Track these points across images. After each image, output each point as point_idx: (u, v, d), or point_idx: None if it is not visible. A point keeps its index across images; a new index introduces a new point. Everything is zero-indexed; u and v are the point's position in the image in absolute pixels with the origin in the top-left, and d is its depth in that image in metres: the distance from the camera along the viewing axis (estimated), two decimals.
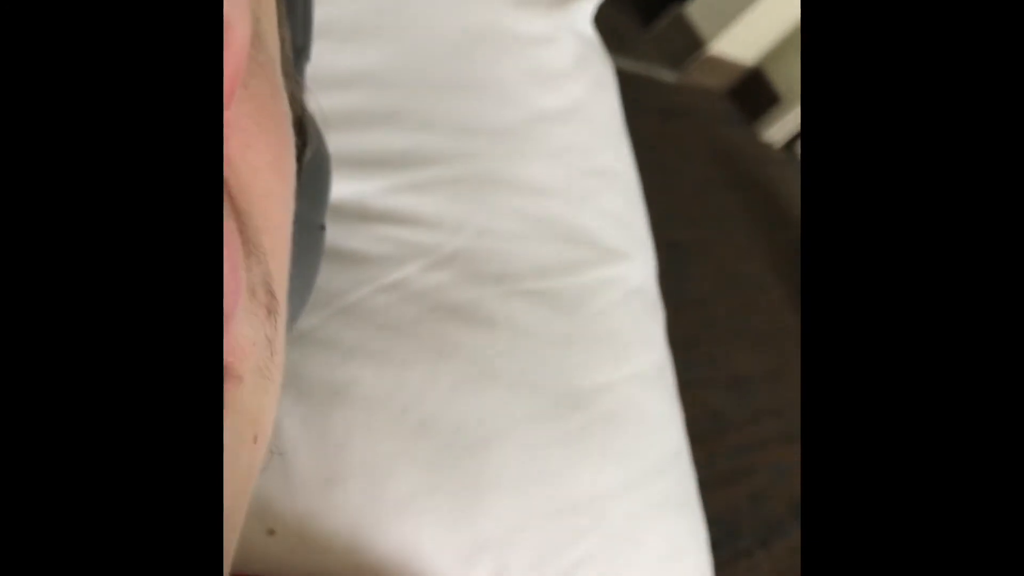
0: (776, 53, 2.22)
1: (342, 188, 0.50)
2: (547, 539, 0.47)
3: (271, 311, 0.22)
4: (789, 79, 2.16)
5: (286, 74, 0.28)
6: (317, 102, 0.41)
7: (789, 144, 2.25)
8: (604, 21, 0.65)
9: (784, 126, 2.20)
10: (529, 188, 0.54)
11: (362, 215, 0.50)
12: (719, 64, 2.20)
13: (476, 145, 0.54)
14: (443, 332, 0.49)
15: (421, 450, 0.46)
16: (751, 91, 2.27)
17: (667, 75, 2.17)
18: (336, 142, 0.48)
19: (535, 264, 0.53)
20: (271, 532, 0.43)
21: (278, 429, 0.44)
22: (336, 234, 0.49)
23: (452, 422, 0.47)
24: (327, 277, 0.48)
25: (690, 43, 2.15)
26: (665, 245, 2.00)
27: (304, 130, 0.37)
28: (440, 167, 0.52)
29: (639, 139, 0.72)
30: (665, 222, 2.00)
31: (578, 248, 0.55)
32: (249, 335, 0.20)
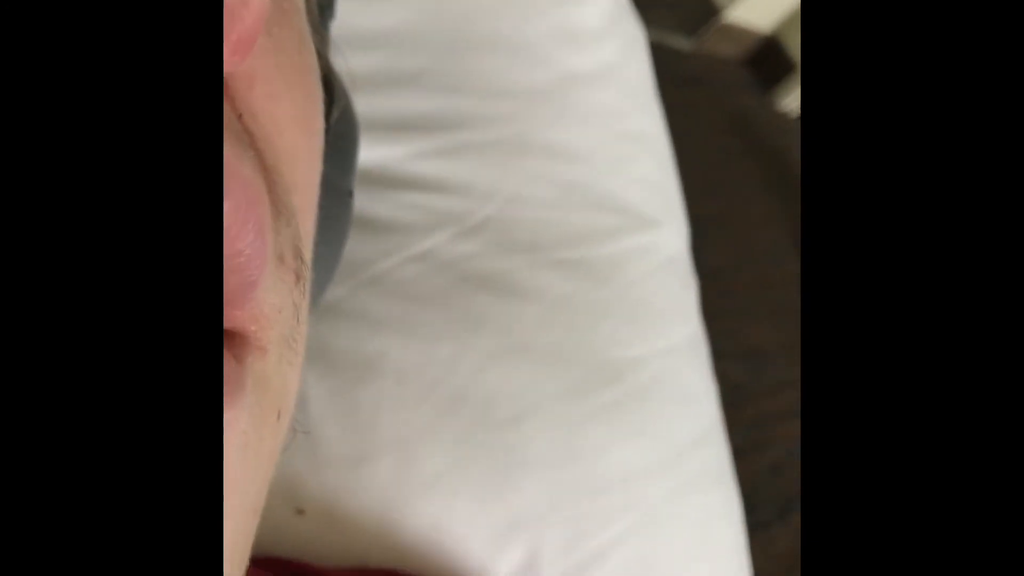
0: (793, 21, 2.18)
1: (367, 154, 0.47)
2: (581, 518, 0.45)
3: (300, 277, 0.20)
4: None
5: (312, 27, 0.26)
6: (344, 61, 0.39)
7: None
8: None
9: (800, 94, 2.16)
10: (561, 153, 0.52)
11: (388, 182, 0.48)
12: (735, 32, 2.16)
13: (505, 108, 0.51)
14: (473, 304, 0.47)
15: (451, 426, 0.44)
16: (767, 59, 2.23)
17: (682, 43, 2.13)
18: (359, 105, 0.46)
19: (567, 232, 0.51)
20: (300, 512, 0.41)
21: (304, 405, 0.43)
22: (362, 201, 0.47)
23: (483, 397, 0.45)
24: (353, 246, 0.46)
25: (706, 10, 2.11)
26: None
27: (331, 88, 0.34)
28: (468, 131, 0.50)
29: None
30: (682, 193, 1.97)
31: (611, 215, 0.53)
32: (275, 302, 0.18)
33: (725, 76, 2.25)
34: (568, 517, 0.45)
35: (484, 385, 0.46)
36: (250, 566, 0.36)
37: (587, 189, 0.53)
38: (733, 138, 2.09)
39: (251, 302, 0.17)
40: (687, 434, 0.51)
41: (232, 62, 0.14)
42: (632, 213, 0.54)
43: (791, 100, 2.16)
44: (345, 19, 0.45)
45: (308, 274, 0.22)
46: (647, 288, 0.53)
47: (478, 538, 0.43)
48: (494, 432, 0.45)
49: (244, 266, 0.16)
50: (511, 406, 0.46)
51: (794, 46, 2.20)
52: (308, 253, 0.22)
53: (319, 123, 0.24)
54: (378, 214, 0.47)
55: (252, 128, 0.18)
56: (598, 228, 0.52)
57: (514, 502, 0.44)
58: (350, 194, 0.39)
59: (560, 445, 0.46)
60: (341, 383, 0.43)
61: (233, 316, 0.16)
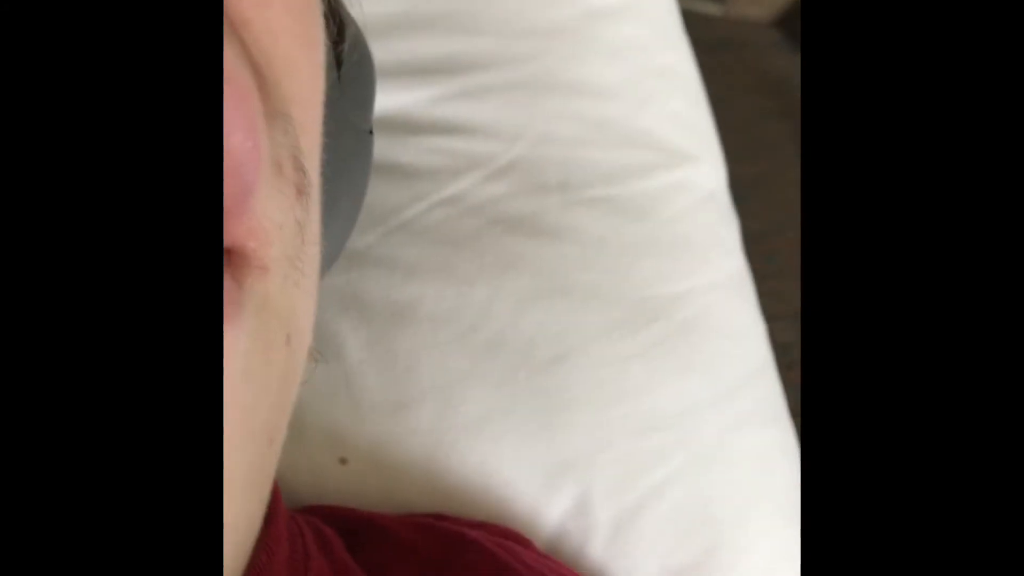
0: None
1: (388, 100, 0.46)
2: (631, 458, 0.44)
3: (301, 191, 0.19)
4: None
5: None
6: (360, 7, 0.38)
7: None
8: None
9: None
10: (587, 90, 0.51)
11: (411, 127, 0.47)
12: None
13: (527, 47, 0.50)
14: (506, 246, 0.46)
15: (492, 369, 0.43)
16: (797, 19, 2.19)
17: (711, 8, 2.10)
18: (378, 51, 0.45)
19: (599, 170, 0.49)
20: (343, 461, 0.41)
21: (340, 353, 0.42)
22: (386, 148, 0.46)
23: (523, 339, 0.44)
24: (380, 193, 0.45)
25: None
26: None
27: (340, 22, 0.33)
28: (491, 72, 0.49)
29: None
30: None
31: (644, 152, 0.51)
32: (275, 217, 0.17)
33: (756, 38, 2.21)
34: (618, 457, 0.44)
35: (523, 327, 0.44)
36: (295, 512, 0.35)
37: (618, 126, 0.51)
38: (768, 99, 2.05)
39: (248, 213, 0.16)
40: (738, 370, 0.49)
41: None
42: (667, 149, 0.53)
43: None
44: None
45: (315, 193, 0.22)
46: (686, 224, 0.51)
47: (526, 481, 0.42)
48: (536, 374, 0.44)
49: (237, 169, 0.15)
50: (552, 347, 0.45)
51: None
52: (314, 170, 0.21)
53: (318, 35, 0.23)
54: (403, 160, 0.46)
55: (243, 34, 0.17)
56: (632, 165, 0.51)
57: (561, 443, 0.43)
58: (370, 132, 0.38)
59: (606, 384, 0.45)
60: (377, 331, 0.43)
61: (232, 231, 0.15)
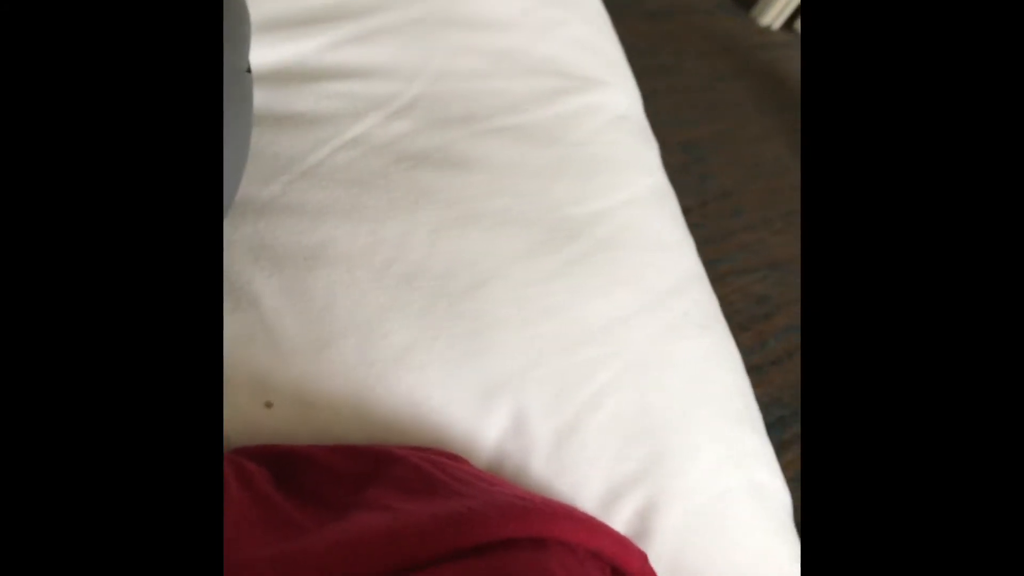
0: None
1: (278, 51, 0.46)
2: (564, 373, 0.44)
3: None
4: None
5: None
6: None
7: (788, 24, 2.17)
8: None
9: (780, 7, 2.12)
10: (484, 23, 0.51)
11: (307, 75, 0.47)
12: None
13: None
14: (415, 180, 0.46)
15: (412, 301, 0.43)
16: None
17: None
18: (265, 6, 0.45)
19: (504, 101, 0.50)
20: (269, 405, 0.40)
21: (256, 302, 0.42)
22: (282, 99, 0.46)
23: (440, 269, 0.44)
24: (281, 143, 0.45)
25: None
26: (681, 146, 1.93)
27: None
28: (384, 14, 0.49)
29: (634, 45, 0.68)
30: (676, 123, 1.94)
31: (548, 79, 0.51)
32: None
33: (700, 2, 2.21)
34: (550, 373, 0.44)
35: (439, 257, 0.44)
36: (231, 454, 0.35)
37: (519, 55, 0.51)
38: (719, 61, 2.05)
39: None
40: (664, 281, 0.49)
41: None
42: (571, 74, 0.53)
43: (771, 15, 2.12)
44: None
45: None
46: (600, 144, 0.51)
47: (458, 404, 0.42)
48: (457, 301, 0.44)
49: None
50: (470, 273, 0.44)
51: None
52: None
53: None
54: (301, 109, 0.46)
55: None
56: (537, 92, 0.51)
57: (490, 365, 0.43)
58: (248, 71, 0.38)
59: (529, 303, 0.45)
60: (291, 276, 0.42)
61: None
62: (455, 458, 0.40)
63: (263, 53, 0.42)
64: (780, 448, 1.21)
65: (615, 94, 0.54)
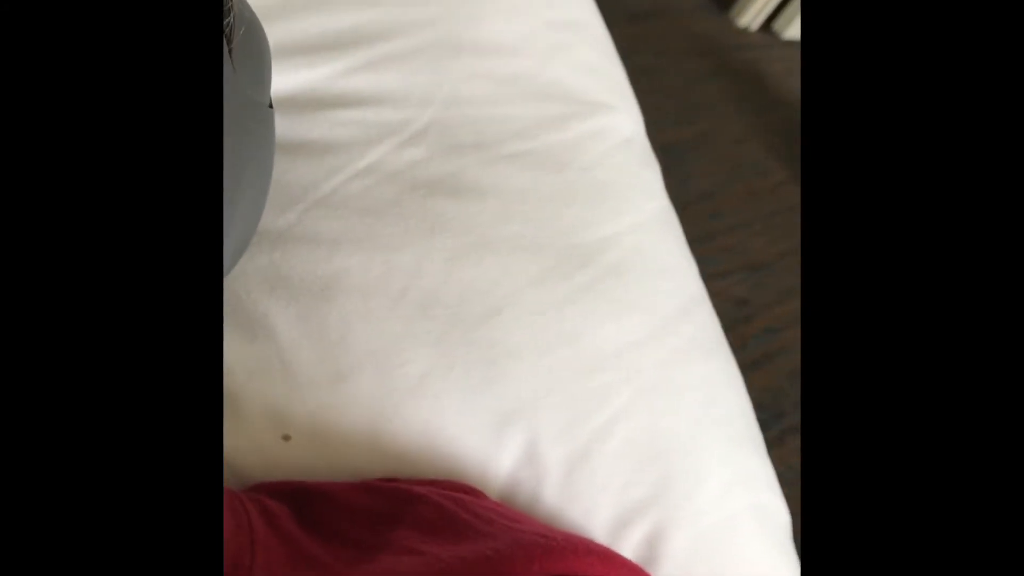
0: None
1: (292, 78, 0.46)
2: (577, 399, 0.45)
3: None
4: None
5: None
6: None
7: (766, 25, 2.19)
8: None
9: (758, 8, 2.14)
10: (493, 48, 0.51)
11: (319, 103, 0.47)
12: None
13: (426, 12, 0.50)
14: (428, 208, 0.46)
15: (428, 329, 0.43)
16: None
17: None
18: (276, 31, 0.45)
19: (513, 126, 0.50)
20: (287, 438, 0.41)
21: (272, 334, 0.42)
22: (295, 126, 0.46)
23: (455, 296, 0.44)
24: (295, 171, 0.45)
25: None
26: (661, 147, 1.94)
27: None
28: (393, 41, 0.49)
29: (615, 47, 0.69)
30: (656, 125, 1.95)
31: (556, 104, 0.52)
32: None
33: (681, 3, 2.23)
34: (562, 400, 0.44)
35: (454, 285, 0.45)
36: (251, 492, 0.35)
37: (527, 81, 0.52)
38: (698, 62, 2.07)
39: None
40: (671, 304, 0.50)
41: None
42: (578, 99, 0.53)
43: (750, 15, 2.14)
44: None
45: None
46: (606, 169, 0.52)
47: (473, 434, 0.42)
48: (472, 329, 0.44)
49: None
50: (485, 301, 0.45)
51: None
52: None
53: None
54: (315, 136, 0.46)
55: None
56: (545, 117, 0.51)
57: (504, 393, 0.43)
58: (270, 106, 0.38)
59: (542, 331, 0.45)
60: (306, 307, 0.43)
61: None
62: (473, 492, 0.40)
63: (276, 80, 0.42)
64: None
65: (620, 118, 0.54)
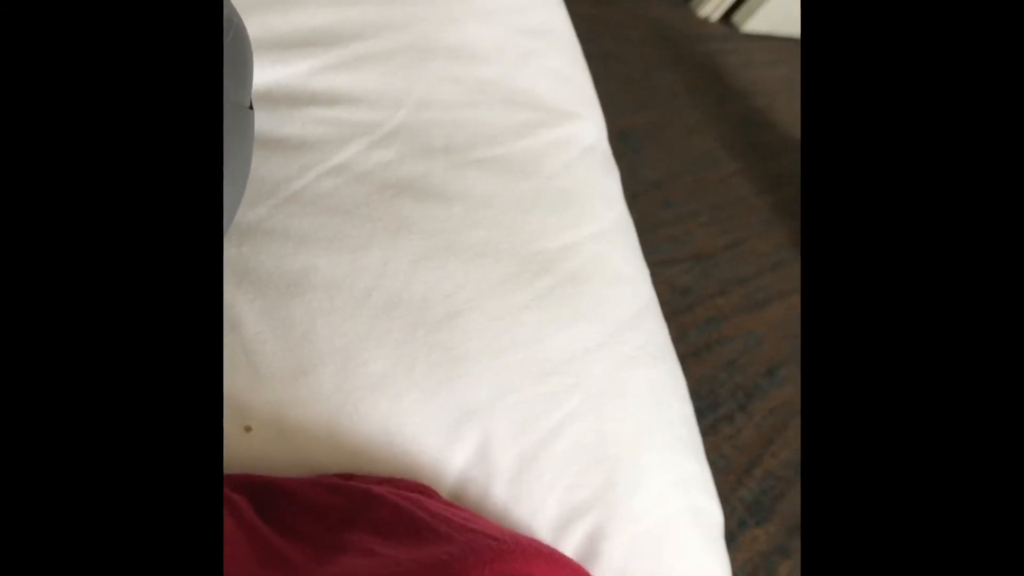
0: None
1: (266, 74, 0.47)
2: (530, 402, 0.46)
3: None
4: None
5: None
6: None
7: (726, 17, 2.21)
8: None
9: (718, 0, 2.16)
10: (466, 53, 0.52)
11: (293, 100, 0.47)
12: None
13: (402, 14, 0.51)
14: (396, 210, 0.47)
15: (390, 330, 0.45)
16: None
17: None
18: (252, 27, 0.46)
19: (483, 131, 0.51)
20: (248, 429, 0.42)
21: (238, 327, 0.43)
22: (269, 122, 0.47)
23: (418, 298, 0.46)
24: (267, 167, 0.46)
25: None
26: (616, 133, 1.95)
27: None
28: (369, 41, 0.50)
29: (576, 31, 0.70)
30: (612, 111, 1.97)
31: (524, 111, 0.53)
32: None
33: None
34: (516, 402, 0.46)
35: (417, 287, 0.46)
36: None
37: (497, 86, 0.53)
38: (656, 50, 2.09)
39: None
40: (623, 313, 0.52)
41: None
42: (546, 107, 0.55)
43: (710, 6, 2.16)
44: None
45: None
46: (570, 177, 0.53)
47: (429, 433, 0.44)
48: (433, 330, 0.46)
49: None
50: (447, 304, 0.46)
51: None
52: None
53: None
54: (288, 133, 0.47)
55: None
56: (513, 124, 0.53)
57: (461, 395, 0.45)
58: (250, 107, 0.39)
59: (500, 335, 0.47)
60: (273, 301, 0.44)
61: None
62: (427, 491, 0.42)
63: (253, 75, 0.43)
64: None
65: (586, 125, 0.56)
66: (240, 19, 0.37)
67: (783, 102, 2.17)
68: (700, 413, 1.32)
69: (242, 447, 0.42)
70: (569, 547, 0.46)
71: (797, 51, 2.36)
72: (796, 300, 1.61)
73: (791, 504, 1.23)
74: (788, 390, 1.44)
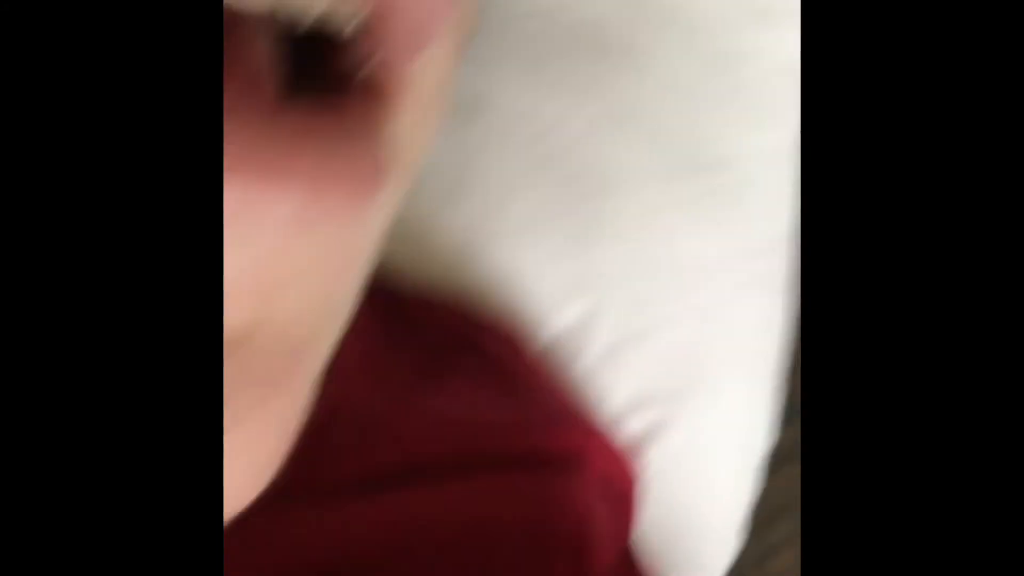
0: None
1: None
2: (644, 292, 0.47)
3: None
4: None
5: None
6: None
7: None
8: None
9: None
10: None
11: None
12: None
13: None
14: (593, 66, 0.46)
15: (546, 180, 0.45)
16: None
17: None
18: None
19: (705, 17, 0.49)
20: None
21: None
22: None
23: (582, 160, 0.46)
24: None
25: None
26: None
27: None
28: None
29: None
30: None
31: (746, 12, 0.50)
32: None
33: None
34: (633, 288, 0.47)
35: (585, 149, 0.46)
36: None
37: None
38: None
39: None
40: (761, 238, 0.51)
41: None
42: (766, 10, 0.52)
43: None
44: None
45: None
46: (765, 88, 0.51)
47: (544, 288, 0.45)
48: (586, 195, 0.46)
49: None
50: (607, 174, 0.46)
51: None
52: None
53: None
54: None
55: None
56: (731, 20, 0.50)
57: (586, 263, 0.46)
58: None
59: (642, 223, 0.47)
60: (451, 115, 0.44)
61: None
62: (518, 345, 0.44)
63: None
64: None
65: (793, 38, 0.53)
66: None
67: None
68: None
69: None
70: (623, 433, 0.48)
71: None
72: None
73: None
74: None
